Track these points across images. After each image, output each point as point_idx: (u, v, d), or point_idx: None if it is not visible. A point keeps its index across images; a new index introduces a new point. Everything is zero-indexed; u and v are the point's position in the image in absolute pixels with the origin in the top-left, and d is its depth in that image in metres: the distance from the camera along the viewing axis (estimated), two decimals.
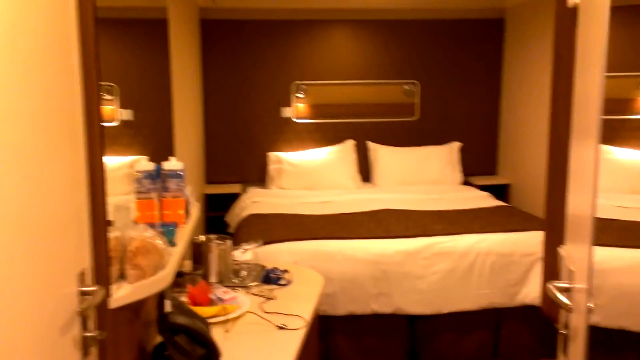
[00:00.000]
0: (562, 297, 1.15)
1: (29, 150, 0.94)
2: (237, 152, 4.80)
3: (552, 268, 1.42)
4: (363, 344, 3.04)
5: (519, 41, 4.65)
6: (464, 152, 4.82)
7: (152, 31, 2.63)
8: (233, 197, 4.49)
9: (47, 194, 1.01)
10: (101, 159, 1.25)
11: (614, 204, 3.44)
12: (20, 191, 0.91)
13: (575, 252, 1.21)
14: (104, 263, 1.26)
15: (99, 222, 1.24)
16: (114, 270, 1.38)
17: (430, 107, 4.90)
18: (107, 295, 1.26)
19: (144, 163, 1.86)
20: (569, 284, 1.18)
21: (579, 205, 1.20)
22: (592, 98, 1.12)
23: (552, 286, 1.19)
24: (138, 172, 1.80)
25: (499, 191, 4.67)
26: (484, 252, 3.03)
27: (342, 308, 2.94)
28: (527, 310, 3.06)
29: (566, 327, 1.22)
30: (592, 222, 1.08)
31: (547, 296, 1.37)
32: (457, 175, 4.70)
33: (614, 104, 4.01)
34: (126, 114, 2.05)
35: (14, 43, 0.90)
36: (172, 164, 1.96)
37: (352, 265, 2.94)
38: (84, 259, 1.20)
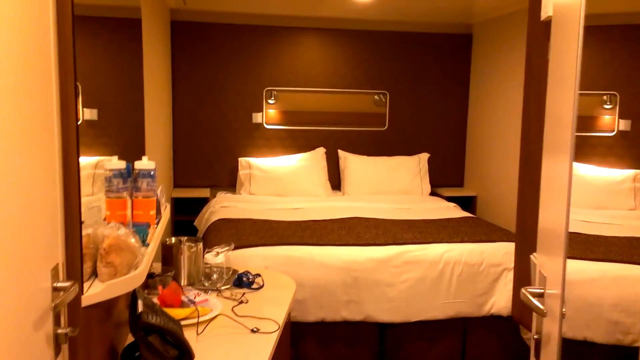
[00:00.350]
0: (535, 302, 1.18)
1: (6, 147, 0.92)
2: (207, 156, 4.75)
3: (523, 275, 1.45)
4: (333, 351, 3.03)
5: (486, 56, 4.78)
6: (432, 163, 4.90)
7: (122, 30, 2.58)
8: (201, 202, 4.44)
9: (22, 189, 0.99)
10: (76, 157, 1.23)
11: (578, 219, 3.53)
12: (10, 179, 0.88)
13: (547, 260, 1.24)
14: (77, 259, 1.22)
15: (73, 218, 1.21)
16: (87, 268, 1.34)
17: (399, 117, 4.97)
18: (80, 291, 1.22)
19: (115, 162, 1.81)
20: (542, 289, 1.21)
21: (551, 218, 1.23)
22: (566, 114, 1.15)
23: (525, 291, 1.22)
24: (109, 170, 1.76)
25: (466, 202, 4.76)
26: (452, 261, 3.07)
27: (313, 314, 2.94)
28: (493, 320, 3.11)
29: (538, 332, 1.25)
30: (566, 235, 1.11)
31: (518, 302, 1.40)
32: (426, 185, 4.77)
33: (577, 121, 4.14)
34: (89, 113, 2.00)
35: None
36: (143, 163, 1.93)
37: (323, 271, 2.94)
38: (57, 255, 1.17)
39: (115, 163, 1.78)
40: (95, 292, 1.29)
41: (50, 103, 1.14)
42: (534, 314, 1.26)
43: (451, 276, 3.05)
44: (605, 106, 4.14)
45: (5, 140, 0.91)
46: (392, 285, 3.00)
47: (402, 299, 3.01)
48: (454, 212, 4.09)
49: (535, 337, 1.24)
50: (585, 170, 3.98)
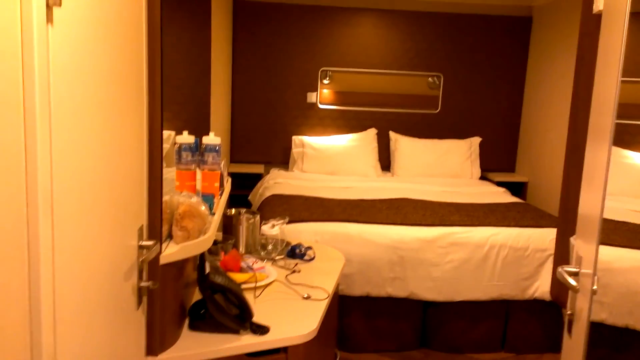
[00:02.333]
0: (570, 280, 1.27)
1: (106, 119, 1.08)
2: (262, 133, 4.94)
3: (563, 255, 1.53)
4: (376, 325, 3.18)
5: (545, 40, 4.71)
6: (483, 147, 4.91)
7: (192, 8, 2.71)
8: (255, 177, 4.63)
9: (118, 157, 1.15)
10: (160, 129, 1.39)
11: (628, 208, 3.51)
12: (98, 155, 1.05)
13: (583, 243, 1.32)
14: (158, 222, 1.40)
15: (155, 185, 1.39)
16: (164, 230, 1.52)
17: (452, 100, 4.99)
18: (160, 250, 1.40)
19: (185, 136, 1.98)
20: (577, 268, 1.29)
21: (590, 203, 1.31)
22: (608, 102, 1.22)
23: (562, 270, 1.31)
24: (179, 144, 1.93)
25: (516, 188, 4.76)
26: (498, 244, 3.13)
27: (359, 289, 3.08)
28: (536, 304, 3.17)
29: (572, 309, 1.34)
30: (600, 220, 1.18)
31: (556, 281, 1.49)
32: (476, 170, 4.79)
33: (636, 109, 4.06)
34: None
35: (95, 11, 1.03)
36: (210, 138, 2.09)
37: (371, 248, 3.07)
38: (142, 217, 1.34)
39: (186, 137, 1.95)
40: (171, 252, 1.47)
41: (141, 77, 1.30)
42: (570, 293, 1.35)
43: (496, 259, 3.12)
44: None
45: (105, 114, 1.08)
46: (437, 265, 3.10)
47: (446, 279, 3.10)
48: (503, 197, 4.11)
49: (569, 313, 1.33)
50: None
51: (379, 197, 3.80)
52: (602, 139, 1.27)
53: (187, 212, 1.53)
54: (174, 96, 2.50)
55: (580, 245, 1.33)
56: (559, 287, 1.45)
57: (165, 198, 1.56)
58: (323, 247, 2.61)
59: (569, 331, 1.34)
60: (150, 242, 1.32)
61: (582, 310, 1.23)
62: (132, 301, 1.29)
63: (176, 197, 1.58)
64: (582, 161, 1.49)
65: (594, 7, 1.54)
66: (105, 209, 1.08)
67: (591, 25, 1.60)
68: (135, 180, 1.27)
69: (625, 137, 4.01)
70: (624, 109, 4.06)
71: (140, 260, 1.28)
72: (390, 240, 3.09)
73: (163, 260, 1.44)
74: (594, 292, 1.17)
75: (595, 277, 1.21)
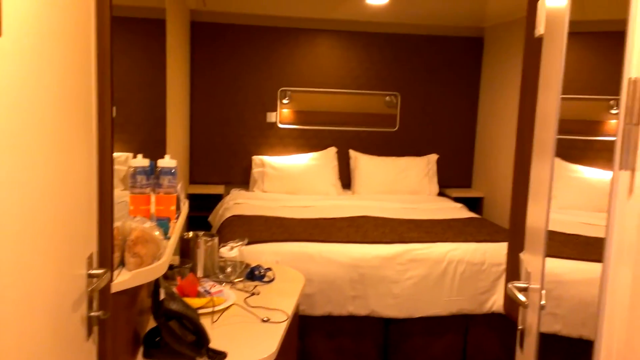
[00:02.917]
0: (520, 295, 1.30)
1: (52, 145, 1.06)
2: (222, 153, 4.91)
3: (513, 271, 1.57)
4: (338, 344, 3.17)
5: (496, 59, 4.88)
6: (440, 164, 5.01)
7: (146, 30, 2.69)
8: (216, 198, 4.59)
9: (65, 184, 1.13)
10: (110, 153, 1.37)
11: (580, 221, 3.63)
12: (44, 181, 1.02)
13: (531, 257, 1.36)
14: (109, 249, 1.37)
15: (106, 211, 1.36)
16: (115, 257, 1.48)
17: (410, 118, 5.08)
18: (111, 279, 1.37)
19: (140, 159, 1.95)
20: (527, 284, 1.33)
21: (536, 217, 1.35)
22: (550, 118, 1.28)
23: (512, 286, 1.34)
24: (133, 167, 1.90)
25: (473, 203, 4.86)
26: (455, 260, 3.19)
27: (320, 308, 3.07)
28: (494, 317, 3.23)
29: (522, 324, 1.38)
30: (545, 233, 1.23)
31: (508, 296, 1.52)
32: (434, 186, 4.88)
33: (583, 125, 4.24)
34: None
35: (41, 38, 1.01)
36: (165, 161, 2.06)
37: (331, 267, 3.08)
38: (92, 244, 1.31)
39: (140, 160, 1.92)
40: (123, 279, 1.44)
41: (90, 101, 1.28)
42: (520, 308, 1.38)
43: (454, 274, 3.17)
44: (612, 111, 4.22)
45: (51, 139, 1.05)
46: (397, 282, 3.13)
47: (407, 295, 3.13)
48: (460, 212, 4.20)
49: (520, 328, 1.36)
50: (590, 174, 4.07)
51: (339, 216, 3.83)
52: (546, 154, 1.32)
53: (140, 238, 1.50)
54: (131, 118, 2.46)
55: (529, 259, 1.37)
56: (511, 302, 1.48)
57: (117, 224, 1.53)
58: (283, 267, 2.60)
59: (521, 346, 1.37)
60: (100, 271, 1.28)
61: (531, 325, 1.26)
62: (81, 332, 1.25)
63: (129, 222, 1.55)
64: (528, 176, 1.54)
65: (536, 31, 1.61)
66: (49, 237, 1.05)
67: (534, 47, 1.67)
68: (84, 206, 1.25)
69: (573, 152, 4.17)
70: (570, 125, 4.25)
71: (90, 289, 1.25)
72: (351, 258, 3.11)
73: (115, 288, 1.41)
74: (542, 307, 1.20)
75: (543, 292, 1.24)
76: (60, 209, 1.10)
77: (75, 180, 1.18)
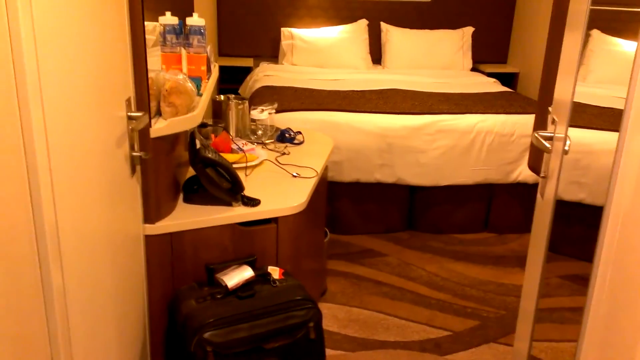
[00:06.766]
0: (544, 142, 1.33)
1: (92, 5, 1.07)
2: (250, 26, 4.81)
3: (541, 123, 1.58)
4: (365, 209, 3.31)
5: None
6: (476, 38, 4.83)
7: None
8: (245, 71, 4.58)
9: (102, 34, 1.16)
10: (141, 9, 1.37)
11: (615, 95, 3.54)
12: (85, 34, 1.05)
13: (559, 106, 1.37)
14: (145, 94, 1.42)
15: (139, 59, 1.39)
16: (152, 106, 1.55)
17: None
18: (149, 124, 1.44)
19: (168, 17, 1.94)
20: (552, 133, 1.35)
21: (564, 86, 1.33)
22: None
23: (537, 134, 1.36)
24: (162, 25, 1.90)
25: (508, 79, 4.74)
26: (484, 131, 3.19)
27: (348, 175, 3.17)
28: (519, 187, 3.29)
29: (545, 172, 1.41)
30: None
31: (533, 148, 1.55)
32: (467, 61, 4.75)
33: None
34: None
35: None
36: (194, 20, 2.04)
37: (359, 136, 3.13)
38: (129, 89, 1.37)
39: (169, 18, 1.91)
40: (160, 126, 1.51)
41: None
42: (544, 156, 1.41)
43: (482, 145, 3.19)
44: None
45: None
46: (424, 152, 3.18)
47: (433, 164, 3.19)
48: (493, 87, 4.12)
49: (542, 176, 1.40)
50: (632, 47, 3.89)
51: (368, 88, 3.80)
52: (577, 26, 1.27)
53: (174, 89, 1.55)
54: None
55: (557, 108, 1.38)
56: (535, 155, 1.51)
57: (152, 75, 1.57)
58: (312, 132, 2.66)
59: (541, 192, 1.42)
60: (138, 113, 1.35)
61: (553, 170, 1.30)
62: (125, 168, 1.35)
63: (162, 74, 1.59)
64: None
65: None
66: (90, 81, 1.10)
67: None
68: (119, 54, 1.28)
69: (614, 25, 3.95)
70: None
71: (130, 128, 1.32)
72: (379, 128, 3.14)
73: (153, 134, 1.49)
74: (565, 152, 1.23)
75: (568, 143, 1.27)
76: (100, 57, 1.14)
77: (111, 31, 1.20)
